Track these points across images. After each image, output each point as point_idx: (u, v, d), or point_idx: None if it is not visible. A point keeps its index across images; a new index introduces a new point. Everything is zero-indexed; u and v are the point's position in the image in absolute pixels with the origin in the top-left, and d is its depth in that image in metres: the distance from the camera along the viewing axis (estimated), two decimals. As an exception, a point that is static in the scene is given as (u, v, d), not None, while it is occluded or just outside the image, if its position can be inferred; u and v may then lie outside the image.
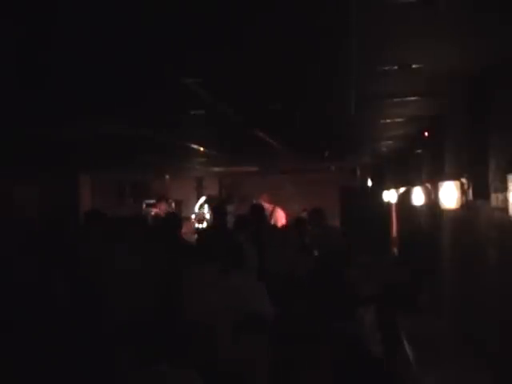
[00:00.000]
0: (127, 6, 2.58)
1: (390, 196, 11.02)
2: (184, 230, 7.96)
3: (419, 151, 8.00)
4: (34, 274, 4.76)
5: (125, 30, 2.90)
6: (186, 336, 4.85)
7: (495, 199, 4.08)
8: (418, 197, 7.20)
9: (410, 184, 8.29)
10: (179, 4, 2.61)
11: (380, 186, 12.90)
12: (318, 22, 2.91)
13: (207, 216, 14.09)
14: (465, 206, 4.81)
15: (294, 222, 8.41)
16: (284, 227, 9.21)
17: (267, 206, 10.71)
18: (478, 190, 4.46)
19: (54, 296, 4.65)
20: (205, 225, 14.00)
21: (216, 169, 13.60)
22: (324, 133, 7.68)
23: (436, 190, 5.43)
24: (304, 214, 8.95)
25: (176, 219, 7.18)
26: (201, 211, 14.37)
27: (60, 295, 4.68)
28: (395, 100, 5.16)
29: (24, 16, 2.62)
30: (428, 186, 6.85)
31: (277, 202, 11.87)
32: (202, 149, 8.45)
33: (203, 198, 15.05)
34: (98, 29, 2.86)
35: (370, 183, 14.53)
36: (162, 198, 12.48)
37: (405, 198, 9.12)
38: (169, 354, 3.65)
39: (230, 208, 13.00)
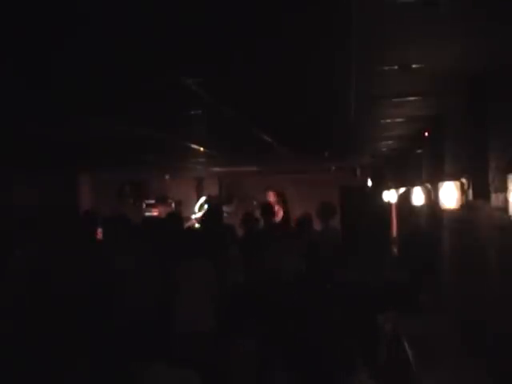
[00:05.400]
0: (127, 5, 2.58)
1: (390, 196, 11.01)
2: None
3: (419, 151, 8.00)
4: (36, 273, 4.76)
5: (125, 29, 2.90)
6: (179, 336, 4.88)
7: (495, 199, 4.08)
8: (418, 197, 7.20)
9: (410, 184, 8.28)
10: (179, 4, 2.61)
11: (380, 185, 12.89)
12: (318, 22, 2.91)
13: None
14: (465, 206, 4.81)
15: (301, 222, 8.30)
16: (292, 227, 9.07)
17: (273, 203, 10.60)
18: (478, 189, 4.45)
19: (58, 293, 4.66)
20: None
21: (216, 169, 13.59)
22: (324, 133, 7.68)
23: (436, 190, 5.43)
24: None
25: (177, 219, 7.21)
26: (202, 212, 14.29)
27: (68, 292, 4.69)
28: (395, 100, 5.15)
29: (24, 15, 2.63)
30: (428, 185, 6.85)
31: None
32: (202, 149, 8.44)
33: (203, 198, 15.03)
34: (98, 28, 2.86)
35: (369, 183, 14.52)
36: (161, 199, 12.35)
37: (405, 198, 9.11)
38: (167, 354, 3.65)
39: (230, 208, 13.01)
